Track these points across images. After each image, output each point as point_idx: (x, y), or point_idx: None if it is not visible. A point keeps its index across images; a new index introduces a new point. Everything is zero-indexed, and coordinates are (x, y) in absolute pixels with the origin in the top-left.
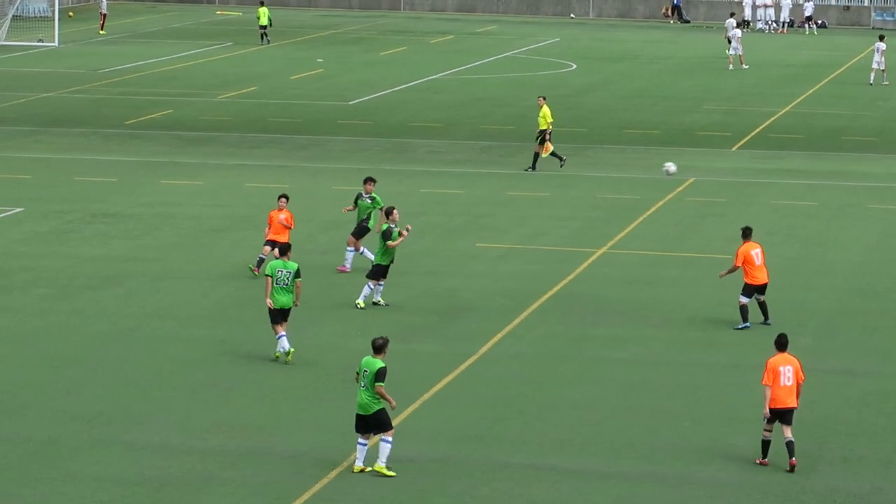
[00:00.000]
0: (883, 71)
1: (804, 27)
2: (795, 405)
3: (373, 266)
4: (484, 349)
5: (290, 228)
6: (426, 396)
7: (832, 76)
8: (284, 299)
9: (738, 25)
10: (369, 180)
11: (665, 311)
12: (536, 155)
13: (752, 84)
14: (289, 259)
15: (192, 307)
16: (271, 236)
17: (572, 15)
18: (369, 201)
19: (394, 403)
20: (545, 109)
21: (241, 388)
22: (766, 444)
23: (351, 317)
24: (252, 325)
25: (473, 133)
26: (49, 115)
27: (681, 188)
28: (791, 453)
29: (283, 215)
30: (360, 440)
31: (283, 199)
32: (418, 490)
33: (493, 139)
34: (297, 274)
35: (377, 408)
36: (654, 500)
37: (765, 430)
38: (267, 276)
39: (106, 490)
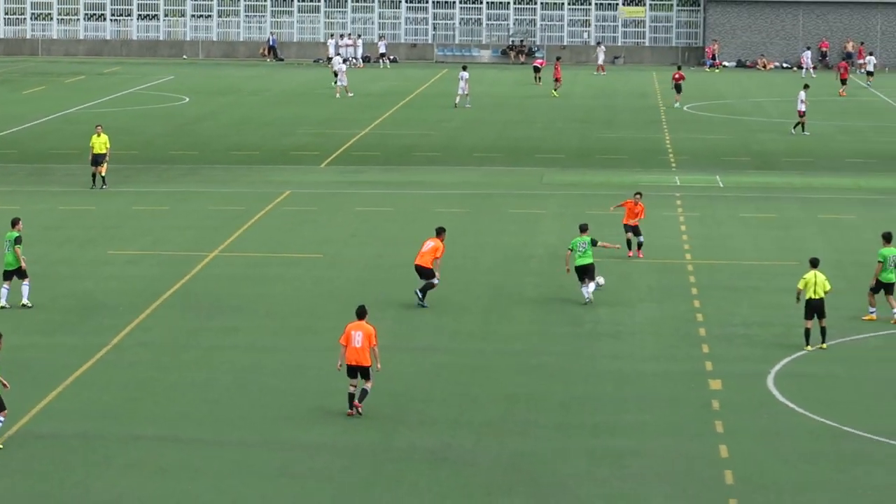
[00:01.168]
0: (466, 95)
1: (379, 62)
2: (367, 363)
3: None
4: (116, 340)
5: None
6: (68, 381)
7: (404, 102)
8: None
9: (345, 61)
10: None
11: (271, 305)
12: (95, 175)
13: (339, 111)
14: None
15: None
16: None
17: (185, 56)
18: None
19: None
20: (104, 137)
21: None
22: (350, 396)
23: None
24: None
25: None
26: None
27: (279, 199)
28: (360, 399)
29: None
30: None
31: None
32: (62, 461)
33: (121, 162)
34: None
35: None
36: (264, 463)
37: (350, 384)
38: None
39: None
